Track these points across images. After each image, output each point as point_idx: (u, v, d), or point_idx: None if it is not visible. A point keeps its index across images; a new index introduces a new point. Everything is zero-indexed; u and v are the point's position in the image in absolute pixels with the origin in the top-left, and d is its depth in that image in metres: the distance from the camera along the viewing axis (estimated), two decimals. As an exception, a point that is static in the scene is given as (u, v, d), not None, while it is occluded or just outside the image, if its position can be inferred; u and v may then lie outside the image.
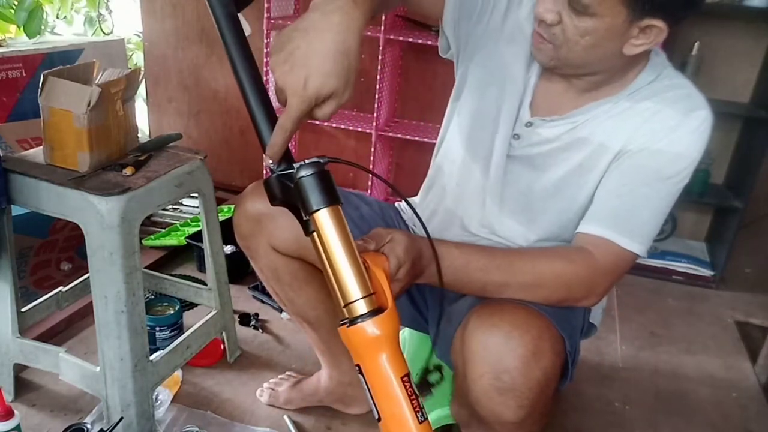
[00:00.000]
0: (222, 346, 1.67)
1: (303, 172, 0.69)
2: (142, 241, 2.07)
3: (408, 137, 2.34)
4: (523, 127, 1.08)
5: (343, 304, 0.70)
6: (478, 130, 1.13)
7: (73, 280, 1.62)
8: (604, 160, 1.02)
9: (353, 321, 0.68)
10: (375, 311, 0.68)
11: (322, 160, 0.70)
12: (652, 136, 0.98)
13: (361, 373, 0.70)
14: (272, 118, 0.72)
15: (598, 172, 1.03)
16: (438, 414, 1.35)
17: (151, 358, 1.33)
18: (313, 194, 0.68)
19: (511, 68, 1.08)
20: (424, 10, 1.16)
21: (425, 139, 2.30)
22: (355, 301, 0.69)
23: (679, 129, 0.97)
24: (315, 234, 0.69)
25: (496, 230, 1.14)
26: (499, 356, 0.88)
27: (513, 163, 1.10)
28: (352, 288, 0.68)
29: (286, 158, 0.72)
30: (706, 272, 2.36)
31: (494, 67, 1.10)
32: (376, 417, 0.70)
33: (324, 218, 0.68)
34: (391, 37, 2.20)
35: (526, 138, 1.08)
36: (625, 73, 1.01)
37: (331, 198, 0.68)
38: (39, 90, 1.24)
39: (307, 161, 0.69)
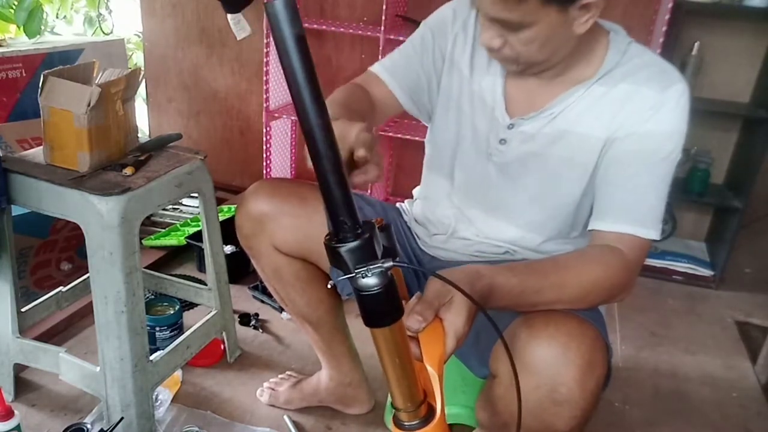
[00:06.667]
0: (222, 346, 1.67)
1: (361, 285, 0.60)
2: (142, 241, 2.07)
3: (408, 137, 2.34)
4: (506, 131, 1.09)
5: (391, 404, 0.70)
6: (448, 148, 1.18)
7: (73, 280, 1.63)
8: (593, 151, 1.02)
9: (400, 425, 0.69)
10: (423, 419, 0.68)
11: (386, 266, 0.59)
12: (636, 119, 0.98)
13: None
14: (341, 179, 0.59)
15: (589, 163, 1.03)
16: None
17: (151, 358, 1.33)
18: (371, 313, 0.62)
19: (473, 82, 1.11)
20: (388, 111, 1.20)
21: (425, 139, 2.29)
22: (403, 410, 0.69)
23: (662, 108, 0.97)
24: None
25: (500, 238, 1.14)
26: (558, 368, 0.86)
27: (507, 168, 1.10)
28: (401, 398, 0.68)
29: (340, 262, 0.60)
30: (706, 272, 2.36)
31: (455, 89, 1.14)
32: None
33: (379, 334, 0.64)
34: (391, 37, 2.20)
35: (512, 139, 1.08)
36: (591, 50, 1.02)
37: (390, 318, 0.63)
38: (39, 90, 1.24)
39: (370, 269, 0.59)
